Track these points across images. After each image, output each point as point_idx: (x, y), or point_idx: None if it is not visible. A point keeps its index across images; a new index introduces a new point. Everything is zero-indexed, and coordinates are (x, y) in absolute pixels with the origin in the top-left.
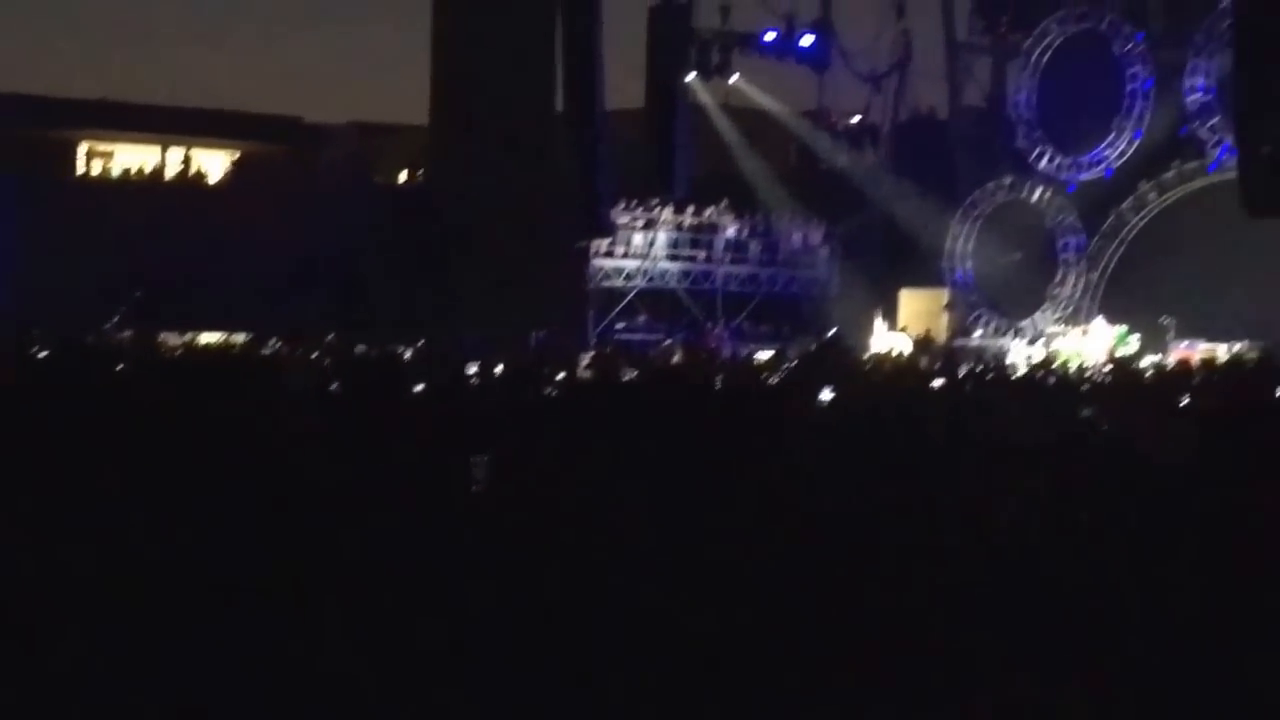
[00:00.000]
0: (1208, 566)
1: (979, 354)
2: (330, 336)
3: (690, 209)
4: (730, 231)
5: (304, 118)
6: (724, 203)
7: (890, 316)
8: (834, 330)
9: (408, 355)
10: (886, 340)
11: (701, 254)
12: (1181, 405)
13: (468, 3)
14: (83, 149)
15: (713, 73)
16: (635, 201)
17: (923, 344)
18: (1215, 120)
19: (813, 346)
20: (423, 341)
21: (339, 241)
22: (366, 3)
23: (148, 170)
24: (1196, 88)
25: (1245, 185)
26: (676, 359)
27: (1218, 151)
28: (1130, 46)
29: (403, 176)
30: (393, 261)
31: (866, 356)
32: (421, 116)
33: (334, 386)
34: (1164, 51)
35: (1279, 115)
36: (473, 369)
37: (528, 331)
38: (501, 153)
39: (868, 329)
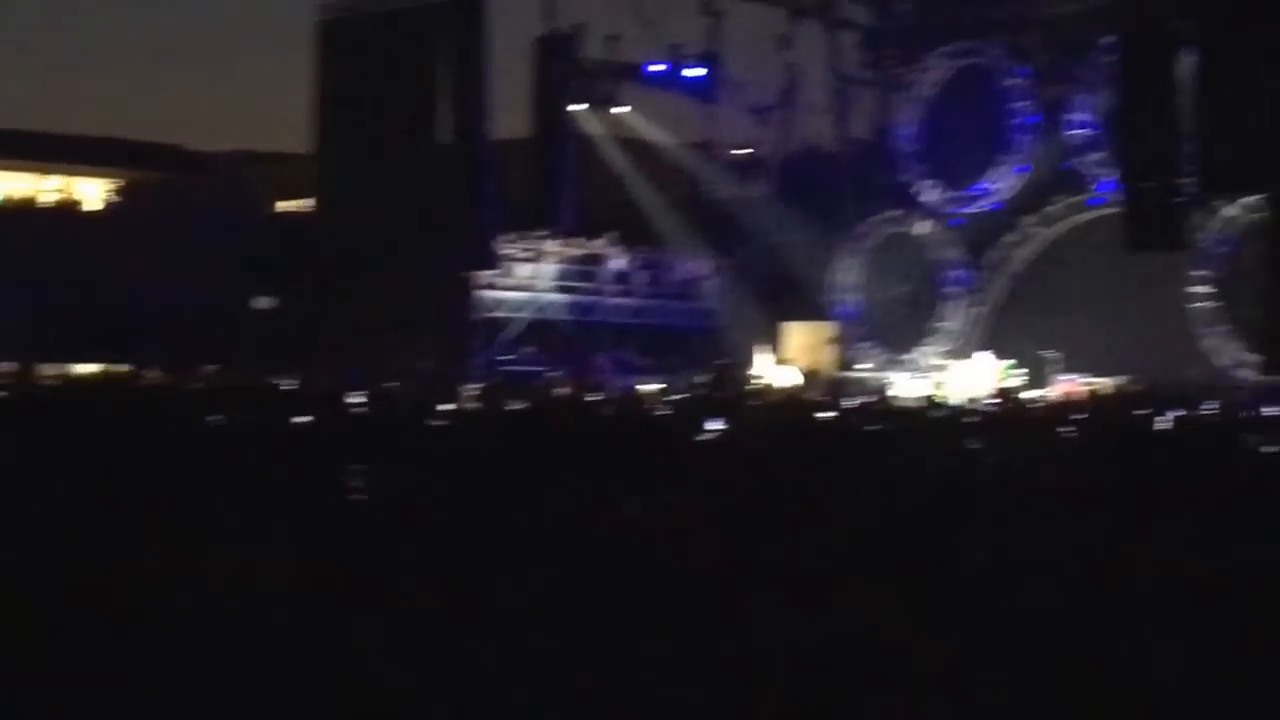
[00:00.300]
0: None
1: (862, 386)
2: (212, 367)
3: (577, 240)
4: (617, 263)
5: (185, 145)
6: (610, 234)
7: (776, 349)
8: (727, 360)
9: (291, 386)
10: (772, 371)
11: (588, 286)
12: (1064, 435)
13: (352, 33)
14: None
15: (600, 104)
16: (522, 233)
17: (810, 376)
18: (1098, 155)
19: (705, 376)
20: (307, 372)
21: (222, 270)
22: (250, 32)
23: (23, 197)
24: (1079, 123)
25: (1127, 220)
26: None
27: (1100, 186)
28: (1014, 82)
29: (286, 205)
30: (276, 290)
31: (751, 387)
32: (305, 145)
33: (215, 418)
34: (1048, 87)
35: (1159, 151)
36: (354, 399)
37: (413, 362)
38: (386, 183)
39: (753, 360)
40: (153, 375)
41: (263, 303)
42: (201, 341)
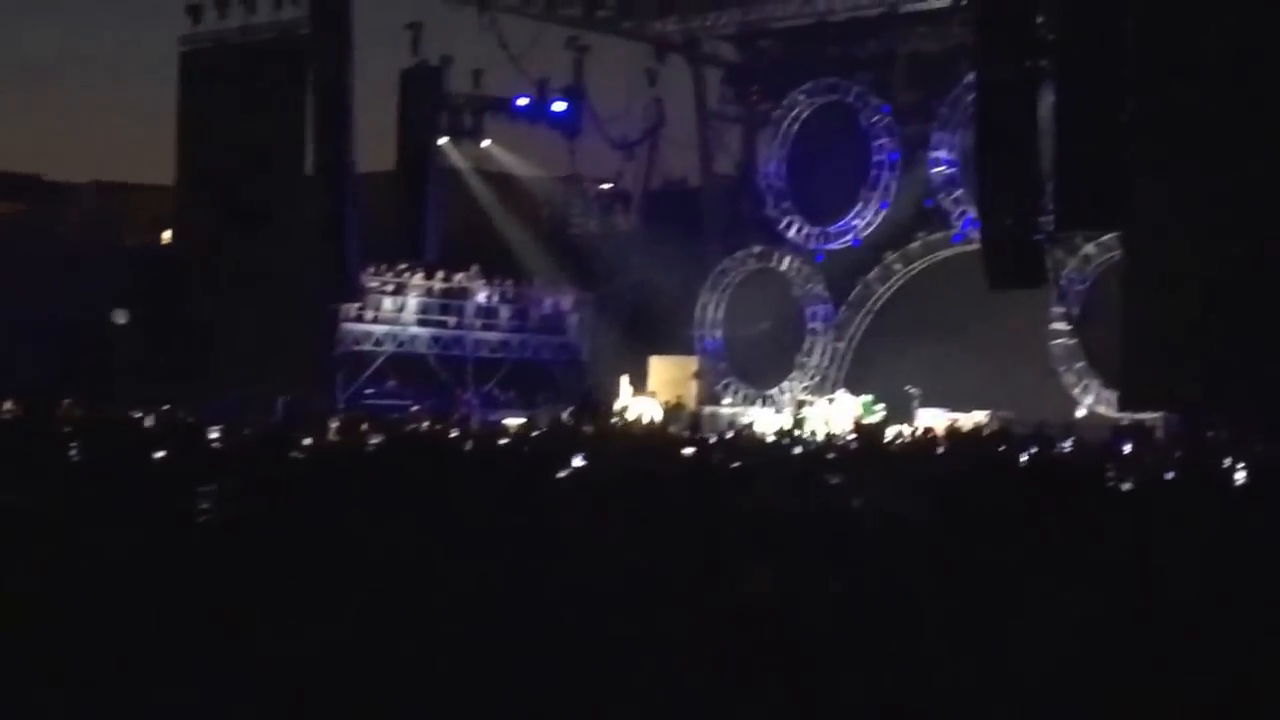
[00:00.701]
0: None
1: (724, 421)
2: (68, 401)
3: (441, 273)
4: (481, 297)
5: (43, 175)
6: (475, 268)
7: (641, 383)
8: (590, 394)
9: (149, 421)
10: (635, 406)
11: (452, 319)
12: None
13: (215, 63)
14: None
15: (465, 137)
16: (385, 265)
17: (669, 411)
18: (959, 192)
19: (567, 411)
20: (166, 406)
21: (80, 302)
22: (111, 61)
23: None
24: (941, 160)
25: (986, 257)
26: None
27: (961, 223)
28: (877, 119)
29: (147, 237)
30: (136, 323)
31: (614, 421)
32: (167, 176)
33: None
34: (910, 124)
35: (1018, 189)
36: (214, 434)
37: (274, 395)
38: (249, 214)
39: (617, 394)
40: (8, 408)
41: (119, 317)
42: (60, 373)
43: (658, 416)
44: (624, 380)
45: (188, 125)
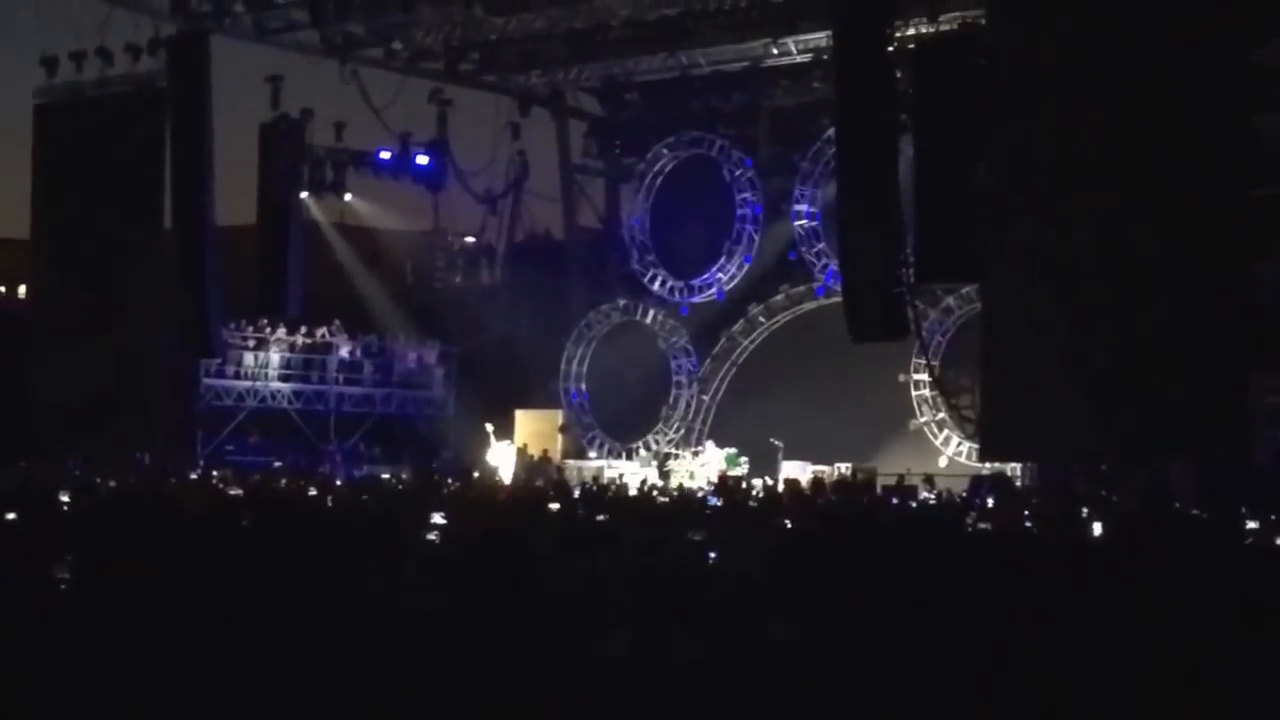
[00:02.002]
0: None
1: (589, 474)
2: None
3: (303, 329)
4: (344, 351)
5: None
6: (337, 323)
7: (507, 437)
8: (451, 450)
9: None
10: (497, 460)
11: (315, 374)
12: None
13: (71, 115)
14: None
15: (327, 190)
16: (247, 320)
17: (535, 465)
18: (821, 245)
19: (431, 466)
20: (20, 463)
21: None
22: None
23: None
24: (803, 213)
25: (849, 310)
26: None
27: (824, 276)
28: (739, 172)
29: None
30: None
31: (477, 478)
32: (21, 230)
33: None
34: (773, 178)
35: (880, 242)
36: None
37: (133, 452)
38: (106, 269)
39: (482, 449)
40: None
41: None
42: None
43: (515, 470)
44: (489, 435)
45: (43, 178)
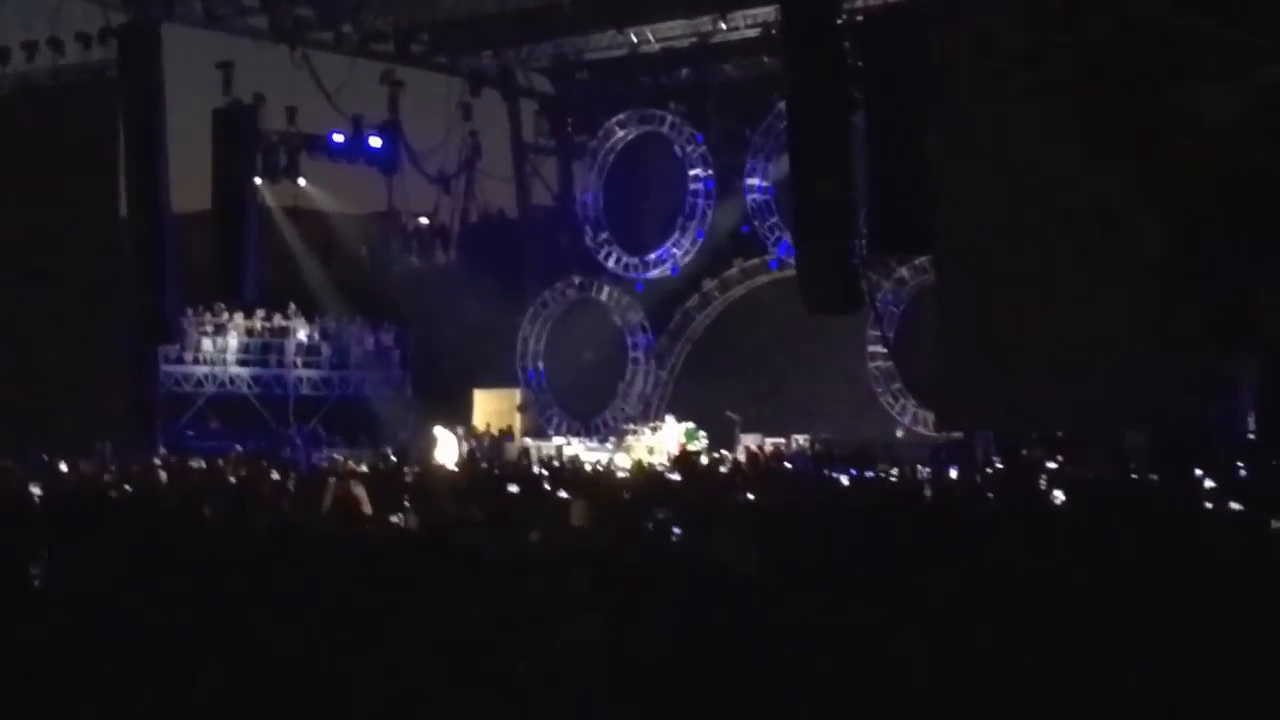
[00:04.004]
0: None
1: (547, 452)
2: None
3: (260, 313)
4: (301, 335)
5: None
6: (293, 307)
7: (465, 417)
8: (406, 432)
9: None
10: (450, 442)
11: (273, 358)
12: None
13: (22, 106)
14: None
15: (280, 175)
16: (204, 306)
17: (495, 443)
18: (774, 219)
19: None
20: None
21: None
22: None
23: None
24: (755, 187)
25: (804, 283)
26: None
27: (778, 249)
28: (691, 147)
29: None
30: None
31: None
32: None
33: None
34: (725, 152)
35: (833, 215)
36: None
37: (93, 442)
38: (63, 258)
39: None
40: None
41: None
42: None
43: (468, 451)
44: (445, 416)
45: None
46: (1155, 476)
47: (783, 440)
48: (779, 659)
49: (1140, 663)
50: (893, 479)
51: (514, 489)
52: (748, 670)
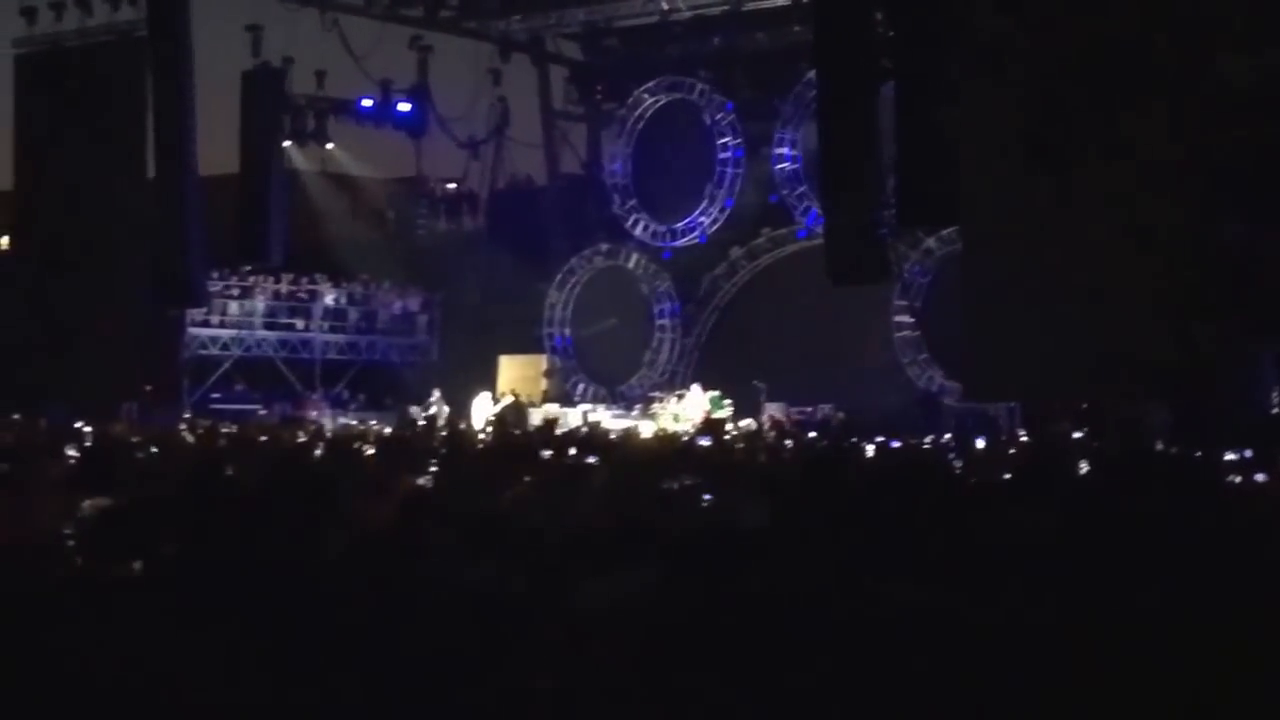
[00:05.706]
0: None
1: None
2: None
3: (287, 276)
4: (328, 299)
5: None
6: (321, 270)
7: (491, 383)
8: (434, 397)
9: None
10: (479, 407)
11: (299, 322)
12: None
13: (51, 66)
14: None
15: (308, 139)
16: (230, 269)
17: (518, 410)
18: (803, 188)
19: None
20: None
21: None
22: None
23: None
24: (784, 157)
25: (829, 252)
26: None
27: (806, 219)
28: (720, 116)
29: None
30: None
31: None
32: (4, 181)
33: None
34: (754, 121)
35: (861, 185)
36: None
37: (119, 403)
38: (90, 219)
39: (468, 395)
40: None
41: None
42: None
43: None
44: (473, 381)
45: (24, 130)
46: (1176, 449)
47: (810, 409)
48: (793, 614)
49: (1157, 633)
50: (924, 446)
51: (546, 454)
52: (765, 627)
